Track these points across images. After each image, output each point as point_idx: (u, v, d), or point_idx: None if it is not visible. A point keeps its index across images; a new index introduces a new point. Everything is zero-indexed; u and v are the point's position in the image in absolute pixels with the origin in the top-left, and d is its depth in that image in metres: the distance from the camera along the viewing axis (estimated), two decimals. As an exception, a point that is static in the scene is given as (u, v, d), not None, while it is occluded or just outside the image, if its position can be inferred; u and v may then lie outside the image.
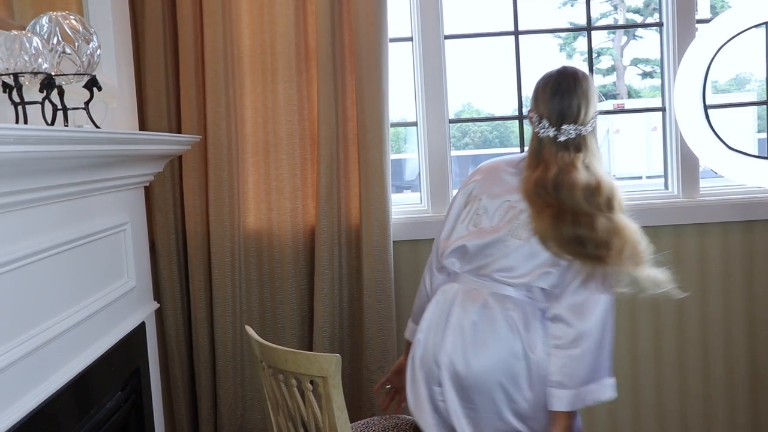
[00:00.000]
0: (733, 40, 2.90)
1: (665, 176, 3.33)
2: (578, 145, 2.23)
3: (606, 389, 2.17)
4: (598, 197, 2.15)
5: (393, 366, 2.55)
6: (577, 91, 2.25)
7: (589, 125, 2.24)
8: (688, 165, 3.21)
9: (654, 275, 2.19)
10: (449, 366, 2.18)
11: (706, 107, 2.93)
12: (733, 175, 2.99)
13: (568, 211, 2.16)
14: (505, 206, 2.26)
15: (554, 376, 2.13)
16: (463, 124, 8.12)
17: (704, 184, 3.26)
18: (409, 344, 2.40)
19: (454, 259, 2.31)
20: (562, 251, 2.16)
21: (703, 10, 3.31)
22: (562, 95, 2.24)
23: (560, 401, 2.12)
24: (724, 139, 2.93)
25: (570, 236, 2.15)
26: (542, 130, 2.24)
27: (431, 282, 2.40)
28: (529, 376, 2.15)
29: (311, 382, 1.95)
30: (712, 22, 2.94)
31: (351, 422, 2.05)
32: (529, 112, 2.31)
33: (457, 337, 2.20)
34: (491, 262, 2.25)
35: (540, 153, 2.25)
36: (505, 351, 2.16)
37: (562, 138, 2.21)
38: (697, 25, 3.18)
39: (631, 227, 2.17)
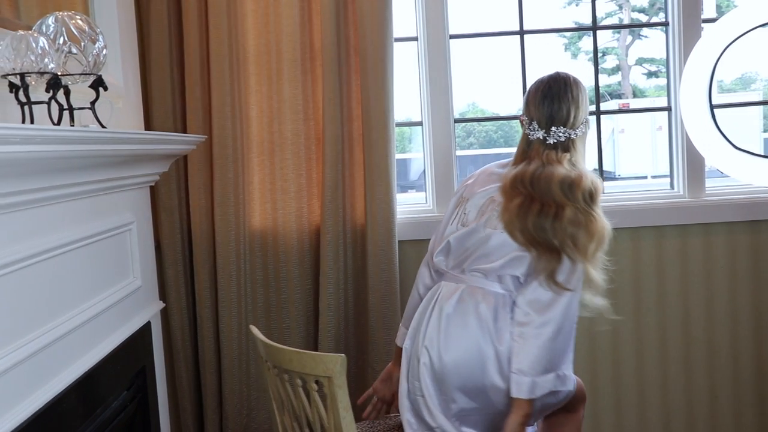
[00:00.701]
0: (738, 39, 2.89)
1: (671, 176, 3.33)
2: (566, 146, 2.30)
3: (565, 381, 2.20)
4: (576, 189, 2.19)
5: (381, 373, 2.54)
6: (567, 95, 2.31)
7: (578, 129, 2.31)
8: (694, 165, 3.21)
9: (598, 282, 2.23)
10: (427, 360, 2.22)
11: (712, 107, 2.92)
12: (740, 175, 2.98)
13: (537, 201, 2.21)
14: (486, 201, 2.33)
15: (515, 363, 2.15)
16: (468, 123, 8.11)
17: (710, 183, 3.25)
18: (399, 350, 2.41)
19: (442, 257, 2.37)
20: (526, 241, 2.20)
21: (708, 10, 3.30)
22: (552, 99, 2.31)
23: (519, 388, 2.13)
24: (730, 139, 2.92)
25: (534, 225, 2.19)
26: (532, 133, 2.32)
27: (422, 284, 2.45)
28: (499, 368, 2.17)
29: (316, 382, 1.95)
30: (718, 21, 2.93)
31: (356, 422, 2.05)
32: (520, 115, 2.38)
33: (433, 332, 2.24)
34: (469, 255, 2.31)
35: (527, 152, 2.33)
36: (473, 345, 2.20)
37: (551, 140, 2.29)
38: (703, 25, 3.17)
39: (604, 225, 2.21)
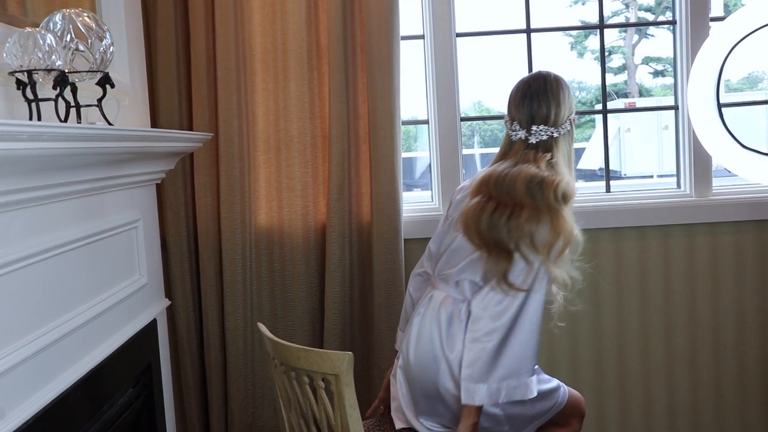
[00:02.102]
0: (746, 38, 2.88)
1: (677, 175, 3.32)
2: (548, 146, 2.26)
3: (524, 388, 2.14)
4: (546, 188, 2.14)
5: (383, 382, 2.52)
6: (547, 93, 2.29)
7: (561, 128, 2.27)
8: (701, 164, 3.20)
9: (565, 279, 2.18)
10: (401, 362, 2.27)
11: (719, 105, 2.91)
12: (748, 174, 2.97)
13: (494, 200, 2.18)
14: (463, 204, 2.31)
15: (464, 369, 2.12)
16: (473, 122, 8.10)
17: (717, 183, 3.24)
18: (396, 353, 2.43)
19: (428, 262, 2.40)
20: (479, 242, 2.17)
21: (716, 8, 3.29)
22: (531, 98, 2.29)
23: (467, 395, 2.10)
24: (738, 138, 2.91)
25: (487, 224, 2.15)
26: (514, 133, 2.29)
27: (411, 287, 2.47)
28: (451, 375, 2.16)
29: (323, 380, 1.95)
30: (726, 20, 2.92)
31: (363, 420, 2.05)
32: (505, 117, 2.36)
33: (410, 332, 2.27)
34: (442, 258, 2.31)
35: (507, 153, 2.31)
36: (429, 350, 2.20)
37: (533, 140, 2.26)
38: (711, 23, 3.16)
39: (572, 228, 2.15)
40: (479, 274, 2.19)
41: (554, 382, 2.36)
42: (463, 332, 2.17)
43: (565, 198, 2.15)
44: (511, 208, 2.14)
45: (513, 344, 2.11)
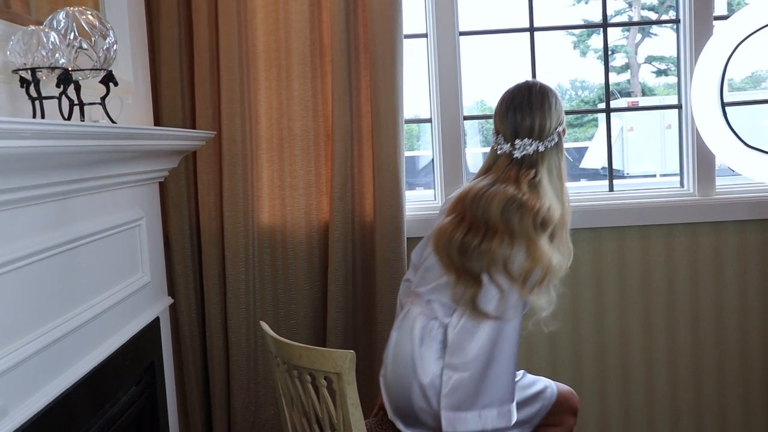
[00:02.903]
0: (750, 37, 2.88)
1: (681, 174, 3.31)
2: (533, 161, 2.16)
3: (506, 415, 2.09)
4: (525, 213, 2.05)
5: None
6: (532, 105, 2.19)
7: (548, 140, 2.18)
8: (704, 163, 3.19)
9: (543, 304, 2.12)
10: (384, 369, 2.26)
11: (723, 105, 2.91)
12: (752, 173, 2.96)
13: (467, 220, 2.11)
14: (439, 220, 2.26)
15: (445, 398, 2.08)
16: (475, 121, 8.08)
17: (720, 182, 3.24)
18: None
19: (411, 272, 2.37)
20: (449, 262, 2.11)
21: (719, 7, 3.29)
22: (515, 110, 2.20)
23: (450, 423, 2.06)
24: (742, 137, 2.91)
25: (458, 246, 2.09)
26: (498, 147, 2.21)
27: (401, 293, 2.45)
28: (423, 395, 2.12)
29: (325, 379, 1.95)
30: (729, 18, 2.92)
31: (365, 419, 2.05)
32: (492, 130, 2.28)
33: (388, 347, 2.26)
34: (418, 272, 2.28)
35: (490, 168, 2.22)
36: (402, 369, 2.16)
37: (517, 154, 2.17)
38: (714, 22, 3.16)
39: (547, 254, 2.05)
40: (448, 297, 2.14)
41: (539, 385, 2.31)
42: (435, 353, 2.12)
43: (544, 225, 2.07)
44: (483, 232, 2.07)
45: (492, 373, 2.05)
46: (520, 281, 2.05)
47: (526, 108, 2.19)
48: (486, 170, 2.23)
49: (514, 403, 2.12)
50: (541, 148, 2.17)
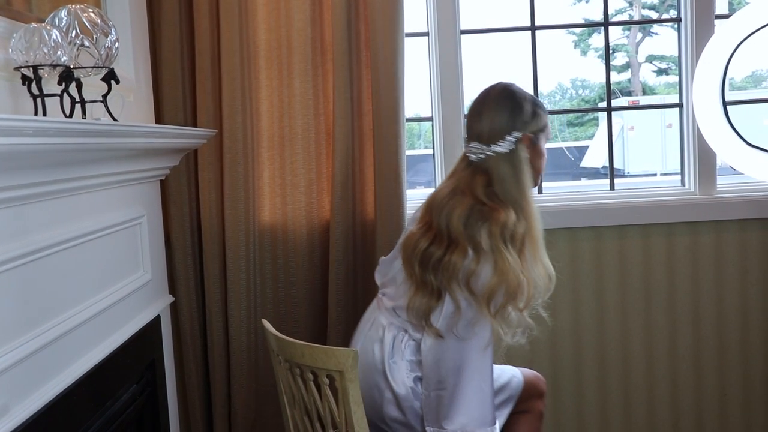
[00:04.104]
0: (751, 36, 2.88)
1: (681, 173, 3.31)
2: (486, 168, 2.10)
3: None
4: (489, 227, 1.99)
5: None
6: (483, 106, 2.16)
7: (497, 145, 2.10)
8: (705, 161, 3.19)
9: (517, 325, 2.07)
10: None
11: (725, 103, 2.91)
12: (753, 172, 2.96)
13: (433, 230, 2.06)
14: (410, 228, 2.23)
15: (428, 413, 2.05)
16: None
17: (721, 181, 3.24)
18: None
19: (378, 274, 2.34)
20: (411, 273, 2.08)
21: (721, 7, 3.29)
22: (472, 111, 2.18)
23: None
24: (744, 136, 2.91)
25: (420, 258, 2.05)
26: (465, 147, 2.20)
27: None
28: (396, 404, 2.10)
29: (327, 377, 1.95)
30: (731, 17, 2.92)
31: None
32: None
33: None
34: (387, 277, 2.26)
35: (454, 171, 2.20)
36: (372, 380, 2.14)
37: (473, 157, 2.13)
38: (716, 21, 3.16)
39: (512, 271, 1.97)
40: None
41: (504, 377, 2.28)
42: (408, 365, 2.10)
43: (513, 239, 2.00)
44: (447, 244, 2.02)
45: (466, 394, 2.01)
46: (483, 299, 1.98)
47: (478, 109, 2.17)
48: (452, 173, 2.21)
49: (497, 426, 2.08)
50: (489, 153, 2.10)
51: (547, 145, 2.25)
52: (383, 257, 2.38)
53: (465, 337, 2.00)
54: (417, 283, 2.06)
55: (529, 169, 2.11)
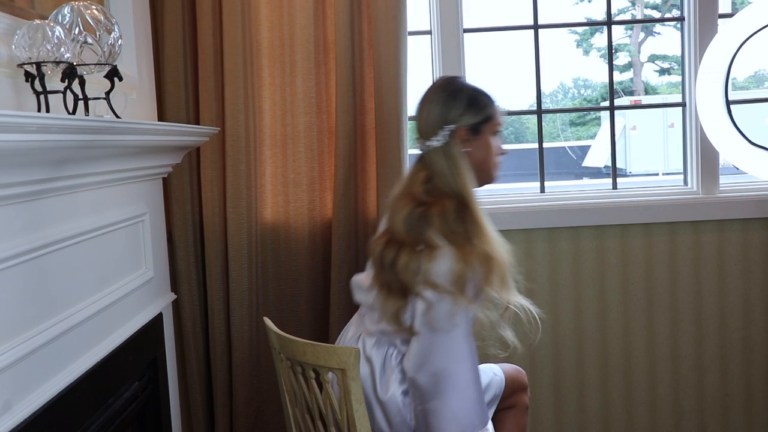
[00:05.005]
0: (754, 35, 2.87)
1: (684, 172, 3.31)
2: (427, 162, 2.10)
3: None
4: (431, 224, 1.99)
5: None
6: (424, 101, 2.15)
7: (432, 140, 2.08)
8: (708, 161, 3.19)
9: (491, 319, 2.04)
10: None
11: (728, 103, 2.90)
12: (756, 171, 2.96)
13: (389, 231, 2.07)
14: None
15: (418, 430, 2.04)
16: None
17: (724, 180, 3.24)
18: None
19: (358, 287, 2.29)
20: (376, 275, 2.07)
21: (724, 6, 3.29)
22: (416, 107, 2.18)
23: None
24: (747, 135, 2.91)
25: (378, 261, 2.05)
26: None
27: None
28: (385, 418, 2.08)
29: (329, 375, 1.95)
30: (734, 16, 2.92)
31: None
32: None
33: None
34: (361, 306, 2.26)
35: (409, 169, 2.20)
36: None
37: (419, 150, 2.13)
38: (719, 20, 3.15)
39: (481, 251, 1.96)
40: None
41: (486, 376, 2.26)
42: (398, 374, 2.08)
43: (462, 221, 1.98)
44: (399, 246, 2.02)
45: (451, 404, 1.98)
46: (455, 289, 1.96)
47: (418, 105, 2.17)
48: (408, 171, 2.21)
49: (489, 425, 2.07)
50: (428, 146, 2.09)
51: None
52: (356, 277, 2.34)
53: (445, 329, 1.98)
54: (380, 286, 2.07)
55: (466, 163, 2.08)
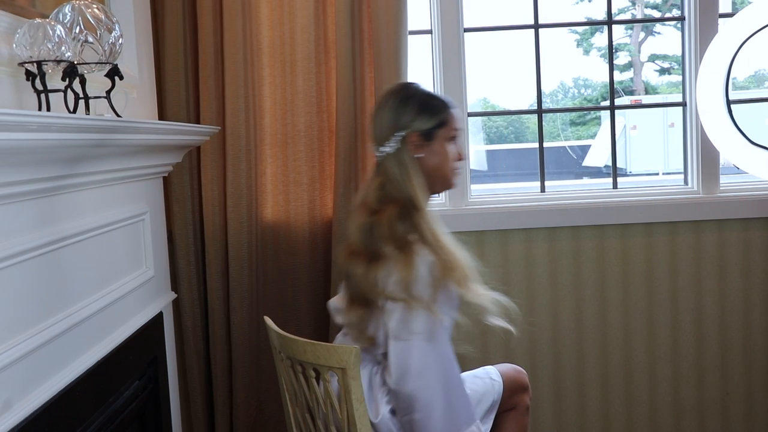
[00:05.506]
0: (754, 35, 2.87)
1: (684, 172, 3.31)
2: (382, 169, 2.09)
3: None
4: (380, 233, 1.99)
5: None
6: (378, 107, 2.15)
7: (385, 146, 2.07)
8: (708, 160, 3.19)
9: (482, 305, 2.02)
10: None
11: (729, 102, 2.90)
12: (757, 171, 2.96)
13: (348, 241, 2.08)
14: None
15: None
16: (478, 119, 8.09)
17: (724, 180, 3.24)
18: None
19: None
20: (345, 290, 2.08)
21: (724, 5, 3.29)
22: (373, 112, 2.18)
23: None
24: (748, 135, 2.91)
25: (342, 269, 2.06)
26: None
27: None
28: None
29: (330, 374, 1.95)
30: (735, 16, 2.92)
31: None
32: None
33: None
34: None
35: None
36: None
37: (377, 156, 2.12)
38: (719, 20, 3.15)
39: (426, 258, 1.95)
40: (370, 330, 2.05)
41: (482, 385, 2.24)
42: (382, 394, 2.06)
43: (410, 230, 1.97)
44: (354, 256, 2.03)
45: (434, 414, 1.96)
46: (408, 296, 1.94)
47: (373, 112, 2.17)
48: None
49: (478, 421, 2.06)
50: (381, 152, 2.08)
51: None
52: (332, 300, 2.32)
53: (406, 337, 1.96)
54: (347, 297, 2.07)
55: (417, 169, 2.07)
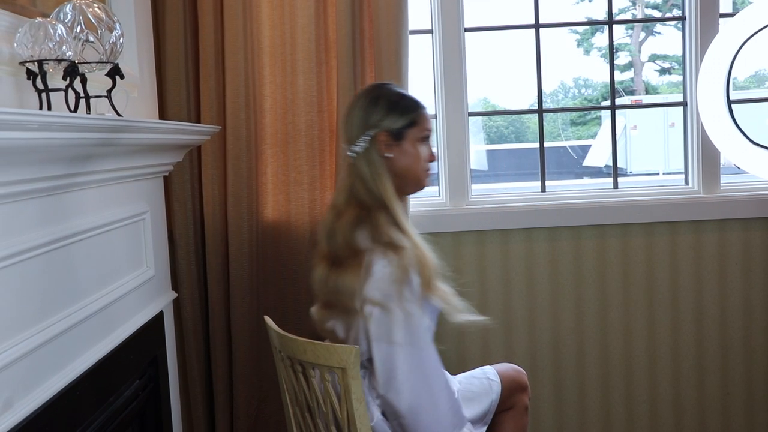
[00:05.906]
0: (755, 35, 2.87)
1: (685, 171, 3.31)
2: (352, 169, 2.09)
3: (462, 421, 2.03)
4: (338, 236, 2.00)
5: None
6: (350, 107, 2.14)
7: (355, 146, 2.07)
8: (709, 160, 3.19)
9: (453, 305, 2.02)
10: None
11: (729, 102, 2.90)
12: (758, 171, 2.96)
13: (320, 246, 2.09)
14: None
15: None
16: (478, 118, 8.09)
17: (725, 179, 3.24)
18: None
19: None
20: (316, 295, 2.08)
21: (725, 5, 3.29)
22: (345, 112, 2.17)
23: None
24: (748, 135, 2.90)
25: (319, 278, 2.07)
26: None
27: None
28: None
29: (329, 374, 1.95)
30: (736, 16, 2.91)
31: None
32: None
33: None
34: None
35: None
36: None
37: (349, 156, 2.11)
38: (720, 20, 3.15)
39: (411, 257, 1.95)
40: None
41: (481, 385, 2.24)
42: (375, 401, 2.05)
43: (387, 230, 1.97)
44: (322, 260, 2.07)
45: (422, 418, 1.97)
46: (396, 297, 1.93)
47: (345, 112, 2.16)
48: None
49: (468, 426, 2.06)
50: (350, 152, 2.09)
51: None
52: (313, 308, 2.32)
53: (383, 339, 1.96)
54: (328, 306, 2.11)
55: (386, 169, 2.07)
